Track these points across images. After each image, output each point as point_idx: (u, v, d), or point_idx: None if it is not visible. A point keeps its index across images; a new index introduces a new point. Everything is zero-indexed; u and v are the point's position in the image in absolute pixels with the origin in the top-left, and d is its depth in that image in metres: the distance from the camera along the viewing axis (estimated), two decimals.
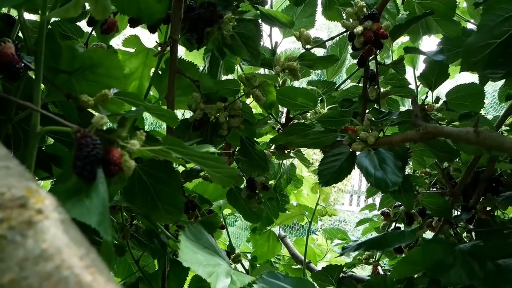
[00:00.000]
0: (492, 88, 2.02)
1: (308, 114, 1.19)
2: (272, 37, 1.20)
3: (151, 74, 1.14)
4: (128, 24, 0.83)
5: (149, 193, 0.68)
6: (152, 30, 0.85)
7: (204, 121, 0.89)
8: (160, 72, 0.95)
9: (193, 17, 0.80)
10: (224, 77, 1.19)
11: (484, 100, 0.97)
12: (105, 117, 0.40)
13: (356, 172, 0.89)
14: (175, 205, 0.69)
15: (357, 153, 0.86)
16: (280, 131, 1.22)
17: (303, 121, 1.17)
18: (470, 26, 1.23)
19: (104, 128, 0.43)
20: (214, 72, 1.09)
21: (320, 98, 1.13)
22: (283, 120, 1.21)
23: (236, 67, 1.24)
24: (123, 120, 0.44)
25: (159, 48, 0.87)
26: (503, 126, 1.07)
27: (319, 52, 1.07)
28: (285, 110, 1.21)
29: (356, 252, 1.03)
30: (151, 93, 1.18)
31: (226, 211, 1.59)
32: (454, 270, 0.77)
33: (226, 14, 0.83)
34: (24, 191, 0.21)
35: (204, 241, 0.71)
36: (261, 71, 1.21)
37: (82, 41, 0.89)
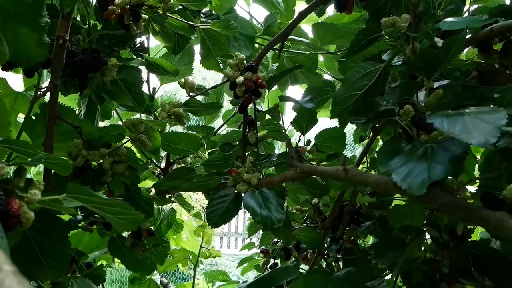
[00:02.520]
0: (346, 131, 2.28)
1: (188, 159, 1.21)
2: (149, 83, 1.22)
3: (19, 120, 1.06)
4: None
5: (31, 248, 0.63)
6: (29, 74, 0.80)
7: (85, 168, 0.86)
8: (33, 118, 0.89)
9: (76, 63, 0.78)
10: (101, 123, 1.16)
11: None
12: (6, 167, 0.38)
13: None
14: (60, 259, 0.64)
15: (242, 193, 0.90)
16: (160, 176, 1.22)
17: (183, 165, 1.19)
18: (327, 77, 1.41)
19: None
20: (91, 117, 1.06)
21: (200, 143, 1.17)
22: (162, 165, 1.21)
23: (112, 113, 1.22)
24: (20, 170, 0.42)
25: (30, 92, 0.83)
26: (360, 165, 1.22)
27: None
28: (163, 154, 1.22)
29: None
30: None
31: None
32: None
33: (110, 61, 0.82)
34: None
35: None
36: (138, 116, 1.21)
37: None
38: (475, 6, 1.14)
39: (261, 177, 0.94)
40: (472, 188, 0.94)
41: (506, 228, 0.55)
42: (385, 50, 0.81)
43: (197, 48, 1.21)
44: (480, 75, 1.07)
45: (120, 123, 1.23)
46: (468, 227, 1.00)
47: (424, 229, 1.02)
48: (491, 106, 0.55)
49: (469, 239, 0.99)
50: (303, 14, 0.84)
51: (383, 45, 0.82)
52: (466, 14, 1.13)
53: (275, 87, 1.40)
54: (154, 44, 1.28)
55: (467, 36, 0.96)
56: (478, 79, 1.07)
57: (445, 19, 0.88)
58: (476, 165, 1.24)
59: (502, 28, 0.87)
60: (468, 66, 0.75)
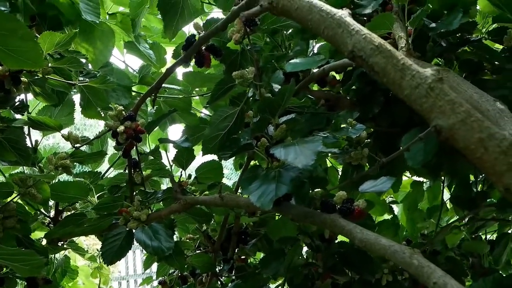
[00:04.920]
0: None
1: (78, 204, 1.26)
2: (31, 135, 1.25)
3: None
4: None
5: None
6: None
7: None
8: None
9: None
10: None
11: (224, 171, 1.27)
12: None
13: (122, 259, 1.01)
14: None
15: (134, 230, 1.00)
16: (51, 225, 1.25)
17: (73, 211, 1.23)
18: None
19: None
20: None
21: (89, 188, 1.23)
22: (52, 214, 1.25)
23: None
24: None
25: None
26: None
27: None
28: (52, 203, 1.25)
29: None
30: None
31: None
32: None
33: None
34: None
35: None
36: (21, 168, 1.23)
37: None
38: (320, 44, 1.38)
39: (150, 212, 1.04)
40: None
41: (338, 226, 0.73)
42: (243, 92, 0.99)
43: (77, 97, 1.28)
44: (327, 102, 1.31)
45: (2, 178, 1.23)
46: None
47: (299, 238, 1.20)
48: (316, 135, 0.73)
49: (336, 241, 1.19)
50: (170, 71, 0.98)
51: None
52: (314, 51, 1.37)
53: (157, 128, 1.52)
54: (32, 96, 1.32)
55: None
56: (326, 106, 1.31)
57: (290, 61, 1.09)
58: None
59: (331, 68, 1.11)
60: (304, 103, 0.95)
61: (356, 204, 0.76)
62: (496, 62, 1.09)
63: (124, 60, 1.47)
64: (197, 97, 1.61)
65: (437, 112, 0.44)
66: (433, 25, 1.03)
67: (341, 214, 0.74)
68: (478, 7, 1.27)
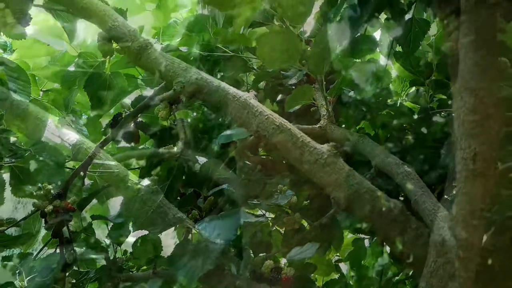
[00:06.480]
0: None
1: None
2: None
3: None
4: None
5: None
6: None
7: None
8: None
9: None
10: None
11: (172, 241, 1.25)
12: None
13: None
14: None
15: None
16: None
17: None
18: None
19: None
20: None
21: (18, 272, 1.16)
22: None
23: None
24: None
25: None
26: None
27: None
28: None
29: None
30: None
31: None
32: None
33: None
34: None
35: None
36: None
37: None
38: None
39: None
40: None
41: None
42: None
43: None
44: (264, 166, 1.35)
45: None
46: None
47: None
48: (239, 209, 0.76)
49: None
50: (100, 147, 0.99)
51: None
52: None
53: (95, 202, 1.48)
54: None
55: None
56: (263, 171, 1.34)
57: (222, 134, 1.13)
58: None
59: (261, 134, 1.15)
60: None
61: (284, 272, 0.77)
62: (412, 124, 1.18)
63: (59, 135, 1.45)
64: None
65: (334, 185, 0.48)
66: (351, 93, 1.11)
67: (269, 284, 0.75)
68: (396, 73, 1.39)
